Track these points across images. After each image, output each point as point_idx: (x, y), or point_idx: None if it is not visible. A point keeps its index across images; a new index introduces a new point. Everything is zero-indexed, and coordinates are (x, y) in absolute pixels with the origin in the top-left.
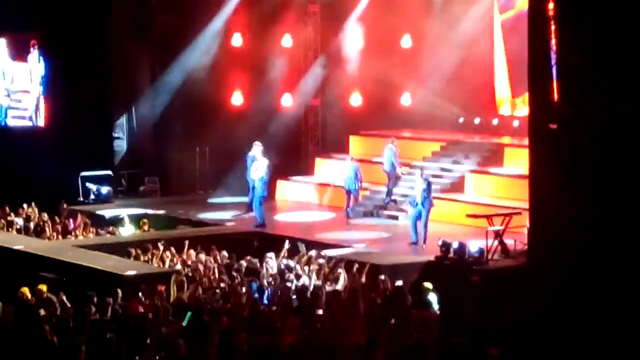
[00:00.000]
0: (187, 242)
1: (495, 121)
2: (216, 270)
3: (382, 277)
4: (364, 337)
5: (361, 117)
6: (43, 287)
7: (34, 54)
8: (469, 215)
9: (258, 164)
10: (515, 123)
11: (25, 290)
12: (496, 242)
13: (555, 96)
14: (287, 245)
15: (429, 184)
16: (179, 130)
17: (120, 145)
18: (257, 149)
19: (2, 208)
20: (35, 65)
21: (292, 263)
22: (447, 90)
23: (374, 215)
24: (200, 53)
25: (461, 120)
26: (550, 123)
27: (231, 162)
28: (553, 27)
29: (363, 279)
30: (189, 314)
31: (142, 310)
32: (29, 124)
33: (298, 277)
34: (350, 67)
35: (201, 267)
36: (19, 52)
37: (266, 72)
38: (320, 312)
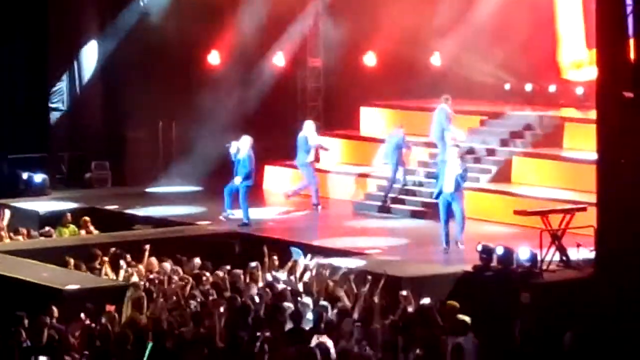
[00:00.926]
0: (147, 247)
1: (552, 88)
2: (187, 285)
3: (404, 293)
4: None
5: (376, 82)
6: None
7: None
8: (517, 212)
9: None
10: (579, 90)
11: None
12: (553, 247)
13: (632, 56)
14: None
15: (465, 169)
16: (136, 98)
17: (59, 118)
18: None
19: None
20: None
21: (282, 276)
22: (489, 49)
23: (392, 212)
24: None
25: (507, 86)
26: (625, 90)
27: (203, 140)
28: None
29: (377, 298)
30: (149, 345)
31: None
32: None
33: (295, 294)
34: (361, 15)
35: (166, 280)
36: None
37: (247, 20)
38: (323, 339)
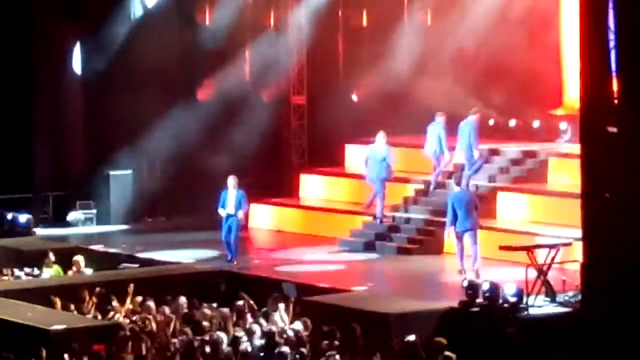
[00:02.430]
0: (132, 285)
1: (536, 123)
2: (172, 324)
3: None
4: None
5: (361, 118)
6: None
7: None
8: (502, 248)
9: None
10: (563, 125)
11: None
12: (539, 283)
13: (615, 91)
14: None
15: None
16: (121, 136)
17: (44, 158)
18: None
19: None
20: None
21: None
22: (470, 81)
23: (377, 250)
24: None
25: (491, 122)
26: (609, 125)
27: (189, 178)
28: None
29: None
30: None
31: None
32: None
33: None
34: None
35: (151, 319)
36: None
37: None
38: None
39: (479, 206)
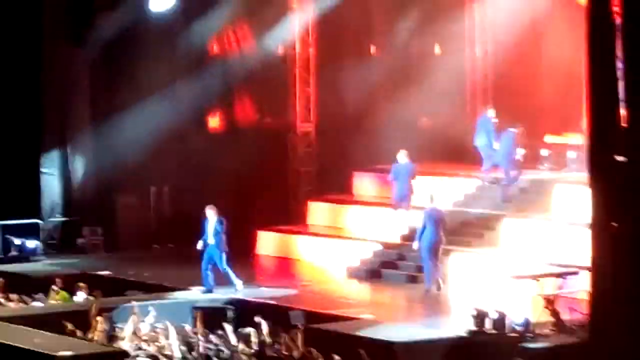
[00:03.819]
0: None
1: (544, 152)
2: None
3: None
4: None
5: (369, 145)
6: None
7: None
8: (515, 277)
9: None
10: (572, 154)
11: None
12: (546, 312)
13: (622, 120)
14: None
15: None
16: (129, 162)
17: (52, 184)
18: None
19: None
20: None
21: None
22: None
23: (383, 277)
24: None
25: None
26: (616, 154)
27: (197, 205)
28: (619, 28)
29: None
30: None
31: None
32: None
33: None
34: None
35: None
36: None
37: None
38: None
39: (446, 224)
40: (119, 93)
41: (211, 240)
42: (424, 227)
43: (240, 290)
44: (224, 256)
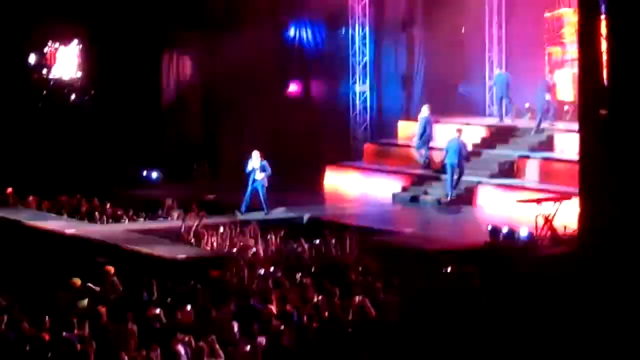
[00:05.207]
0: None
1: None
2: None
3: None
4: None
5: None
6: (110, 269)
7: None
8: (518, 201)
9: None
10: (566, 108)
11: (77, 280)
12: (546, 228)
13: (605, 81)
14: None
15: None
16: (230, 114)
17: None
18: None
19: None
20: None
21: None
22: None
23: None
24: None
25: (527, 105)
26: (601, 108)
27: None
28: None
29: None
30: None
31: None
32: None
33: None
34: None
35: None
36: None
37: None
38: None
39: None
40: None
41: (258, 176)
42: (447, 151)
43: (268, 214)
44: (264, 189)
